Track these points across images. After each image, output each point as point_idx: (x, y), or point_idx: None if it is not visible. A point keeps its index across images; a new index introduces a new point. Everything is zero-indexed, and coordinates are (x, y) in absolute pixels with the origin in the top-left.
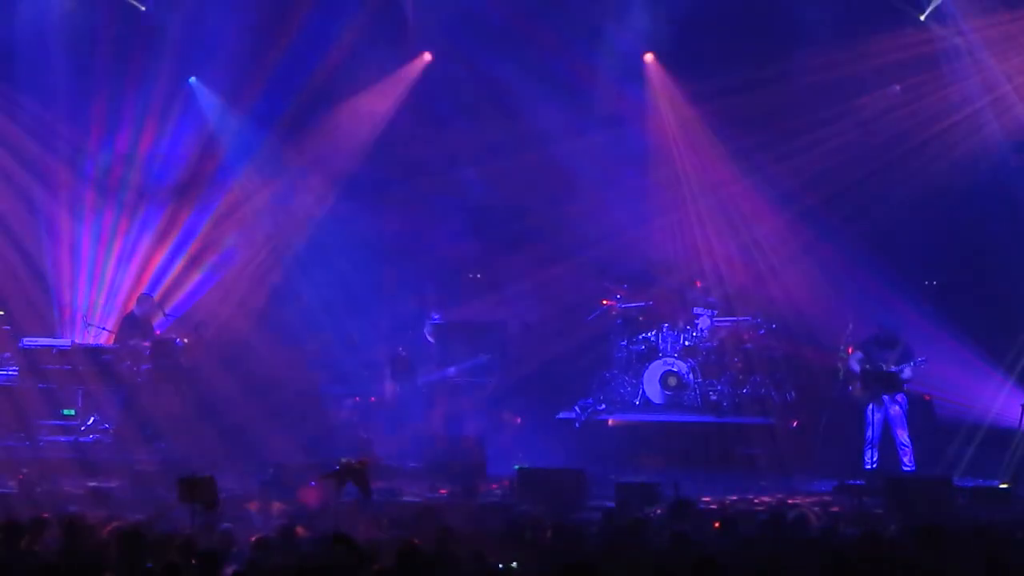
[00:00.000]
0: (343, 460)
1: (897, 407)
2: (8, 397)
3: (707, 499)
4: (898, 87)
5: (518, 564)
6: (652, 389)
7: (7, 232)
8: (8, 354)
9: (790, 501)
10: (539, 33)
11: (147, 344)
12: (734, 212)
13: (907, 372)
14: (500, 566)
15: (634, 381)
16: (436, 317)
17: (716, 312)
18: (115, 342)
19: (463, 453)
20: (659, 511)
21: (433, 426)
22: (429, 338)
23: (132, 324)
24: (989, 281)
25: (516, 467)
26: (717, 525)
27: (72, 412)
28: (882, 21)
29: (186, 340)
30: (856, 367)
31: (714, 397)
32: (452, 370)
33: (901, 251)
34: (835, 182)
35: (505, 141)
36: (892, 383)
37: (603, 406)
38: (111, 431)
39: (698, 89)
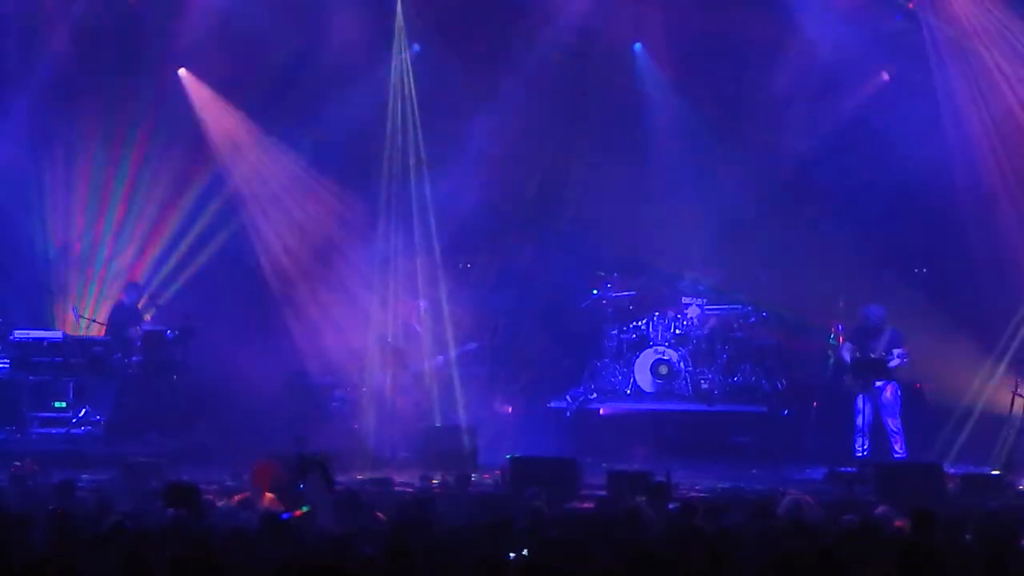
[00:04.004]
0: (302, 455)
1: (888, 394)
2: None
3: (699, 488)
4: (886, 75)
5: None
6: (643, 378)
7: None
8: None
9: (781, 489)
10: (528, 23)
11: (139, 334)
12: (723, 200)
13: (895, 360)
14: (511, 555)
15: (625, 370)
16: (423, 305)
17: (706, 301)
18: (106, 332)
19: (454, 443)
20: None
21: (423, 416)
22: (417, 327)
23: (122, 313)
24: (978, 268)
25: (508, 456)
26: None
27: (63, 404)
28: (871, 9)
29: (177, 332)
30: (847, 357)
31: (705, 386)
32: (441, 359)
33: (891, 239)
34: (824, 170)
35: (495, 132)
36: (879, 370)
37: (594, 395)
38: (102, 423)
39: (686, 79)
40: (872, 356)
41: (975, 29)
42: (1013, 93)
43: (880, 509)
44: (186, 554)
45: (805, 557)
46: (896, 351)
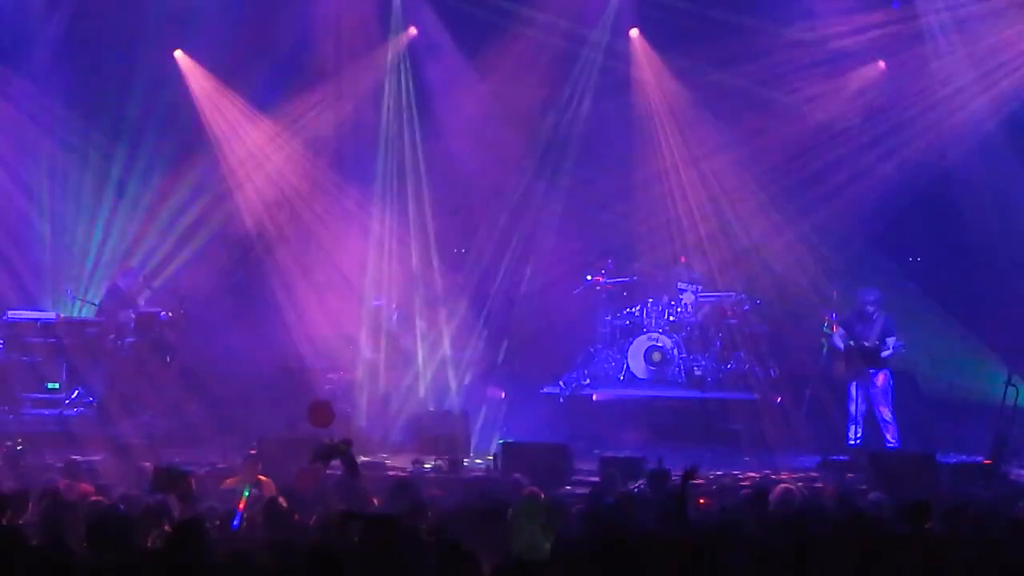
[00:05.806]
0: (326, 441)
1: (879, 383)
2: None
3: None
4: (882, 63)
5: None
6: (636, 364)
7: None
8: None
9: (774, 477)
10: (524, 7)
11: (132, 316)
12: (717, 187)
13: (888, 349)
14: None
15: (618, 356)
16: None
17: (700, 288)
18: (100, 314)
19: (447, 427)
20: (641, 485)
21: (417, 400)
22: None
23: (117, 296)
24: (973, 257)
25: (500, 441)
26: (702, 502)
27: (56, 385)
28: None
29: (170, 314)
30: (840, 344)
31: (698, 372)
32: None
33: (885, 227)
34: (819, 157)
35: (489, 115)
36: (871, 359)
37: (587, 381)
38: (95, 404)
39: (682, 65)
40: (866, 344)
41: (972, 14)
42: (1009, 78)
43: (872, 496)
44: (172, 537)
45: (794, 548)
46: (890, 340)
